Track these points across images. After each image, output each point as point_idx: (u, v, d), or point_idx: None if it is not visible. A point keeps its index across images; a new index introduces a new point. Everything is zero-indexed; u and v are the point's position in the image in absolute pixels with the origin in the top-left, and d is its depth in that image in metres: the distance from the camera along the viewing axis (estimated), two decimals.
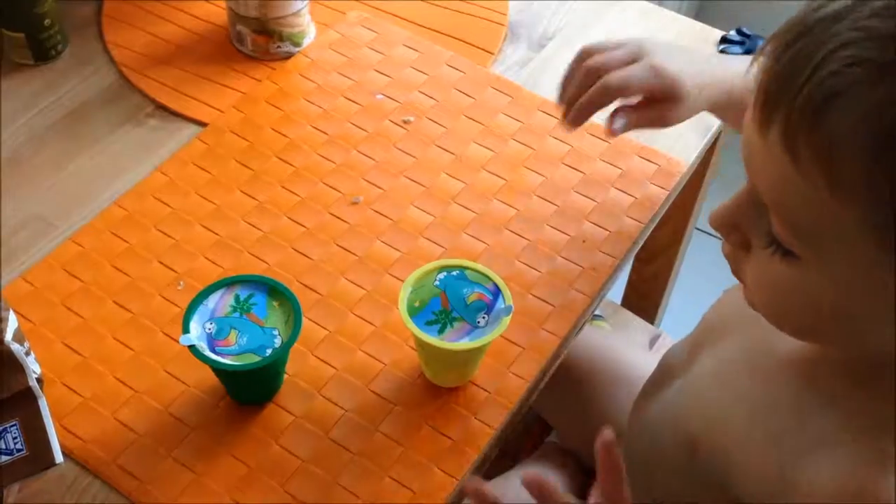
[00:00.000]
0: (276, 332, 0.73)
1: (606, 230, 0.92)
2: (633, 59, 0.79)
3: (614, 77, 0.77)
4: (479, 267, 0.78)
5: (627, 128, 0.80)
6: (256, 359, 0.71)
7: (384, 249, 0.89)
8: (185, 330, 0.72)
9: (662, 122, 0.81)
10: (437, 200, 0.94)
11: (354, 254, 0.89)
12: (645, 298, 1.40)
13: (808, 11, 0.52)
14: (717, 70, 0.82)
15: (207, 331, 0.72)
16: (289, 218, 0.91)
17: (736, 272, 0.61)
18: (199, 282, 0.85)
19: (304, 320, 0.82)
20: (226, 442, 0.75)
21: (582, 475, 1.06)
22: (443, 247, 0.90)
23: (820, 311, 0.55)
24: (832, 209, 0.50)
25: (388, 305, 0.85)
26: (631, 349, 1.13)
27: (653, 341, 1.29)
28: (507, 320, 0.74)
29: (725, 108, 0.83)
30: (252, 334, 0.72)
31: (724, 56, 0.88)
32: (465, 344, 0.73)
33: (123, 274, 0.86)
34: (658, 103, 0.79)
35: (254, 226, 0.90)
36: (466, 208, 0.93)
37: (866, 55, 0.47)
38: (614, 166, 0.97)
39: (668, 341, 1.28)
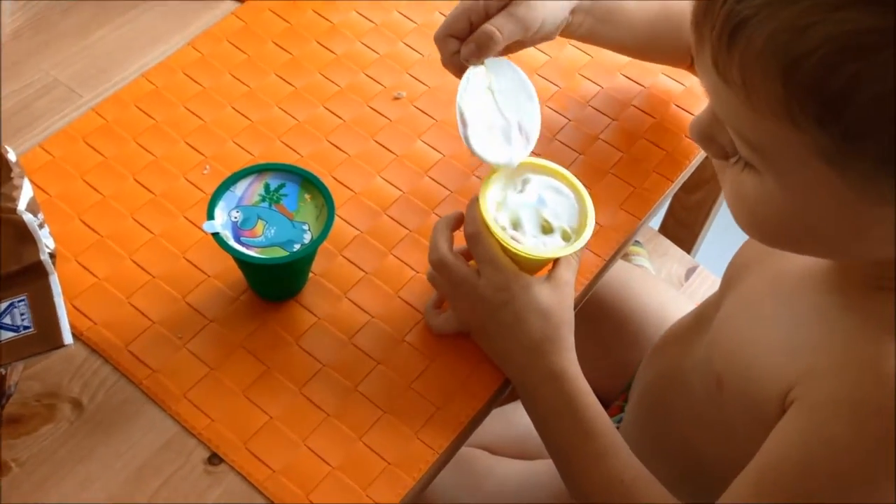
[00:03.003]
0: (305, 227, 0.68)
1: (663, 150, 0.86)
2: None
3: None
4: (565, 172, 0.73)
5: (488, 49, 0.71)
6: (283, 253, 0.66)
7: (424, 150, 0.84)
8: (210, 216, 0.67)
9: (517, 22, 0.72)
10: None
11: (393, 152, 0.83)
12: (684, 227, 1.35)
13: None
14: None
15: (233, 219, 0.67)
16: (326, 108, 0.86)
17: (721, 183, 0.60)
18: (227, 167, 0.80)
19: (335, 218, 0.77)
20: (243, 338, 0.71)
21: None
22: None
23: (789, 224, 0.55)
24: (771, 128, 0.50)
25: (423, 209, 0.80)
26: (659, 287, 1.08)
27: (689, 273, 1.24)
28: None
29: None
30: (280, 227, 0.67)
31: None
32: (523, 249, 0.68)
33: (147, 152, 0.81)
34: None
35: (288, 113, 0.85)
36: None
37: None
38: (677, 81, 0.90)
39: (703, 274, 1.24)
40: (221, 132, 0.83)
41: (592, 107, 0.88)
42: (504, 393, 0.72)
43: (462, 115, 0.70)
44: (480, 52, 0.71)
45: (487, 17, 0.71)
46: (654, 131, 0.87)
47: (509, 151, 0.71)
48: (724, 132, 0.55)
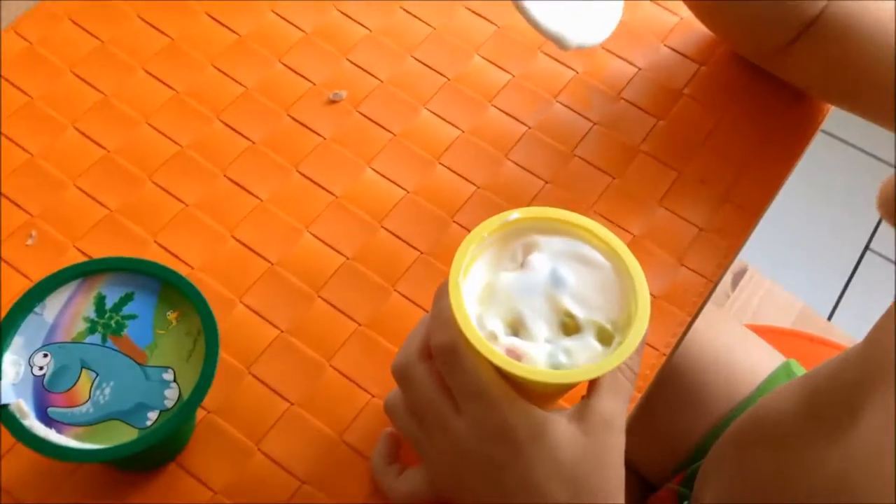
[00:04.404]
0: (166, 376, 0.39)
1: (737, 163, 0.57)
2: None
3: None
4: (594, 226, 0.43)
5: None
6: (128, 435, 0.37)
7: (378, 184, 0.54)
8: None
9: None
10: (468, 102, 0.58)
11: (329, 191, 0.54)
12: None
13: None
14: None
15: (38, 372, 0.38)
16: (223, 122, 0.56)
17: None
18: (64, 231, 0.51)
19: (240, 308, 0.49)
20: None
21: (639, 492, 0.76)
22: (474, 184, 0.55)
23: None
24: None
25: (380, 285, 0.51)
26: (719, 324, 0.80)
27: (736, 279, 0.99)
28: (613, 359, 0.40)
29: None
30: (123, 380, 0.38)
31: None
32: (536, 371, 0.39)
33: None
34: None
35: (164, 134, 0.55)
36: (513, 117, 0.58)
37: None
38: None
39: (755, 279, 0.99)
40: (57, 171, 0.53)
41: (626, 100, 0.59)
42: None
43: None
44: None
45: None
46: (720, 134, 0.58)
47: (570, 21, 0.47)
48: None
